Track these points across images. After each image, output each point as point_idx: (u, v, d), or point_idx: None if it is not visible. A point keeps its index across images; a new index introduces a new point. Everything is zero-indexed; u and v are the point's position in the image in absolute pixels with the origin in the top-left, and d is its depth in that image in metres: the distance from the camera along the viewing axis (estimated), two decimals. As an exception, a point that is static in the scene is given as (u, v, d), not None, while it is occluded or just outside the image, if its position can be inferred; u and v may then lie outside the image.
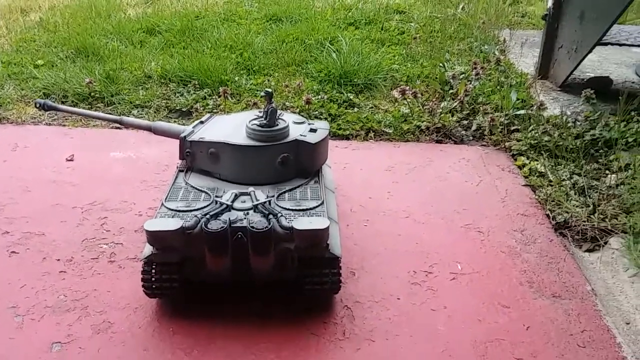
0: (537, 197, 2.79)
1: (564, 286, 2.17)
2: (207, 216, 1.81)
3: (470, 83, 3.79)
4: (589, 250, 2.44)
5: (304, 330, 1.90)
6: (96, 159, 3.03)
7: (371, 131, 3.47)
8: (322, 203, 2.00)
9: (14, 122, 3.47)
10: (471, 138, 3.45)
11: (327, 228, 1.80)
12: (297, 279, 1.95)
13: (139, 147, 3.16)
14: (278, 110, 2.15)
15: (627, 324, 2.03)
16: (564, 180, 2.86)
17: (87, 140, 3.28)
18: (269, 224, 1.78)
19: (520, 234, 2.50)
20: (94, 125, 3.46)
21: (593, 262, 2.35)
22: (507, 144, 3.28)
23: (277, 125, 2.12)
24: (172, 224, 1.78)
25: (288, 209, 1.93)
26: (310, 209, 1.95)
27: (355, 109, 3.71)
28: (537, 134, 3.22)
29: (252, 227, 1.76)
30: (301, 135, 2.16)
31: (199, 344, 1.82)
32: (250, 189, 2.01)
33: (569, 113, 3.51)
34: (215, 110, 3.61)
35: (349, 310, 2.01)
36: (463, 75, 4.03)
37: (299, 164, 2.16)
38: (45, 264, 2.18)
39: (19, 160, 3.00)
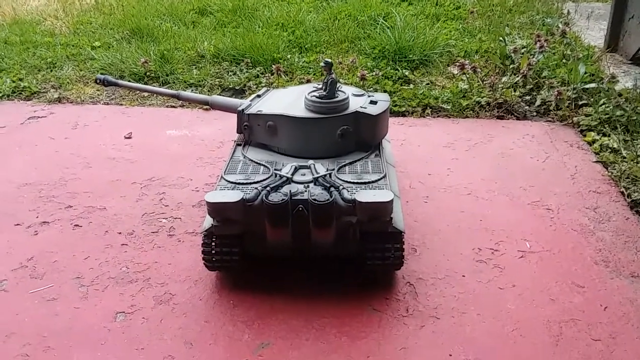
0: (609, 173, 2.62)
1: (644, 266, 2.03)
2: (268, 189, 1.77)
3: (534, 57, 3.60)
4: (669, 230, 2.27)
5: (365, 306, 1.85)
6: (153, 137, 3.06)
7: (428, 107, 3.35)
8: (385, 176, 1.93)
9: (73, 102, 3.55)
10: (535, 114, 3.28)
11: (391, 201, 1.73)
12: (358, 254, 1.89)
13: (193, 126, 3.17)
14: (338, 82, 2.08)
15: None
16: (639, 156, 2.67)
17: (143, 118, 3.31)
18: (331, 196, 1.73)
19: (593, 211, 2.35)
20: (150, 104, 3.50)
21: (675, 242, 2.18)
22: (574, 119, 3.10)
23: (337, 96, 2.06)
24: (232, 195, 1.75)
25: (349, 182, 1.87)
26: (372, 182, 1.89)
27: (411, 86, 3.60)
28: (608, 108, 3.02)
29: (314, 199, 1.71)
30: (361, 107, 2.08)
31: (260, 317, 1.80)
32: (310, 162, 1.95)
33: (642, 86, 3.28)
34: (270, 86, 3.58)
35: (411, 287, 1.94)
36: (525, 49, 3.84)
37: (359, 137, 2.09)
38: (107, 237, 2.21)
39: (80, 138, 3.05)
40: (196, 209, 2.38)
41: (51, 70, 3.91)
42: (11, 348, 1.68)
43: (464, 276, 1.99)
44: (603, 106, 3.07)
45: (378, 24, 4.43)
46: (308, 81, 3.52)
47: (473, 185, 2.55)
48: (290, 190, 1.76)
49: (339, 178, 1.89)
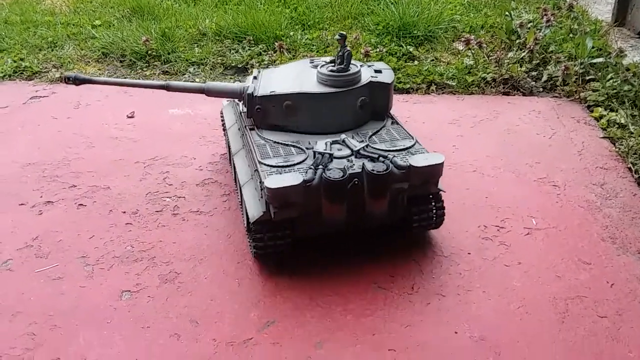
0: (617, 149, 2.59)
1: (651, 242, 2.01)
2: (320, 167, 1.74)
3: (540, 31, 3.54)
4: (677, 206, 2.25)
5: (370, 284, 1.84)
6: (155, 116, 3.03)
7: (433, 84, 3.31)
8: (416, 141, 1.95)
9: (75, 81, 3.51)
10: (541, 89, 3.24)
11: (443, 163, 1.78)
12: (404, 219, 1.93)
13: (195, 104, 3.14)
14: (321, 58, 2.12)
15: None
16: (647, 131, 2.64)
17: (145, 98, 3.27)
18: (387, 166, 1.73)
19: (600, 187, 2.33)
20: (152, 83, 3.46)
21: (682, 217, 2.16)
22: (582, 94, 3.05)
23: (351, 69, 2.04)
24: (293, 178, 1.70)
25: (385, 150, 1.87)
26: (407, 148, 1.90)
27: (416, 62, 3.55)
28: (616, 83, 2.98)
29: (372, 171, 1.71)
30: (372, 77, 2.07)
31: (265, 295, 1.80)
32: (343, 136, 1.94)
33: (651, 61, 3.22)
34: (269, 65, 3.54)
35: (417, 265, 1.93)
36: (531, 23, 3.78)
37: (374, 107, 2.09)
38: (111, 216, 2.20)
39: (82, 118, 3.03)
40: (200, 187, 2.37)
41: (52, 50, 3.88)
42: (17, 327, 1.69)
43: (469, 253, 1.98)
44: (610, 81, 3.02)
45: (382, -1, 4.36)
46: (304, 56, 3.47)
47: (478, 162, 2.53)
48: (344, 166, 1.76)
49: (374, 148, 1.89)
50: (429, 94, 3.26)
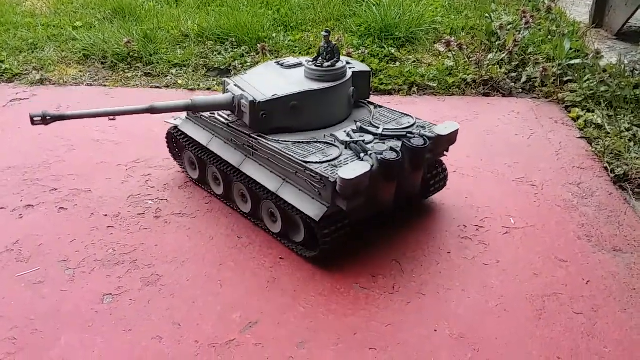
0: (594, 149, 2.64)
1: (625, 240, 2.06)
2: (370, 153, 1.84)
3: (519, 33, 3.60)
4: (651, 204, 2.31)
5: (351, 284, 1.86)
6: (137, 118, 3.00)
7: (414, 85, 3.35)
8: (414, 118, 2.12)
9: (56, 84, 3.49)
10: (520, 90, 3.29)
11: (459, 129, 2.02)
12: (423, 188, 2.16)
13: (179, 106, 3.13)
14: (290, 58, 2.27)
15: (696, 279, 1.91)
16: (622, 131, 2.70)
17: (127, 100, 3.26)
18: (425, 140, 1.89)
19: (577, 187, 2.38)
20: (134, 85, 3.45)
21: (656, 215, 2.22)
22: (560, 95, 3.11)
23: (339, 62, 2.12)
24: (362, 167, 1.76)
25: (404, 129, 2.02)
26: (414, 124, 2.08)
27: (397, 63, 3.58)
28: (593, 84, 3.04)
29: (413, 145, 1.86)
30: (349, 67, 2.17)
31: (247, 296, 1.81)
32: (352, 126, 2.05)
33: (626, 62, 3.29)
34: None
35: (397, 264, 1.96)
36: (511, 25, 3.83)
37: (357, 96, 2.20)
38: (93, 219, 2.20)
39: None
40: (182, 190, 2.37)
41: (32, 52, 3.84)
42: (-2, 332, 1.68)
43: (449, 253, 2.01)
44: (587, 82, 3.08)
45: (364, 1, 4.39)
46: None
47: (459, 163, 2.56)
48: (390, 147, 1.86)
49: (388, 129, 2.02)
50: (410, 95, 3.29)
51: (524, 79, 3.30)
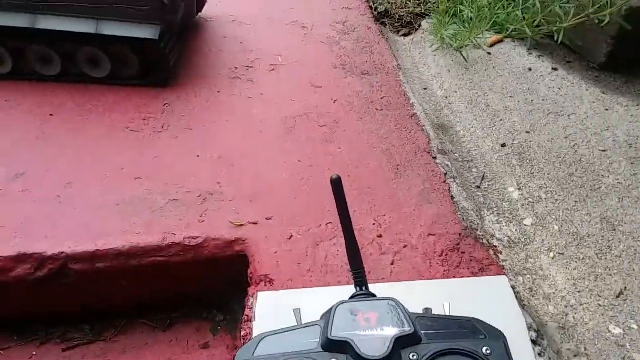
0: (361, -10, 2.87)
1: (374, 65, 2.35)
2: None
3: None
4: (404, 35, 2.62)
5: (123, 129, 1.96)
6: None
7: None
8: None
9: None
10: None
11: None
12: None
13: None
14: None
15: (425, 89, 2.28)
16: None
17: None
18: None
19: (342, 25, 2.61)
20: None
21: (406, 44, 2.54)
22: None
23: None
24: None
25: None
26: None
27: None
28: None
29: None
30: None
31: (13, 151, 1.84)
32: None
33: None
34: None
35: (169, 107, 2.07)
36: None
37: None
38: None
39: None
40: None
41: None
42: None
43: (219, 92, 2.17)
44: None
45: None
46: None
47: (238, 13, 2.66)
48: None
49: None
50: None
51: None
